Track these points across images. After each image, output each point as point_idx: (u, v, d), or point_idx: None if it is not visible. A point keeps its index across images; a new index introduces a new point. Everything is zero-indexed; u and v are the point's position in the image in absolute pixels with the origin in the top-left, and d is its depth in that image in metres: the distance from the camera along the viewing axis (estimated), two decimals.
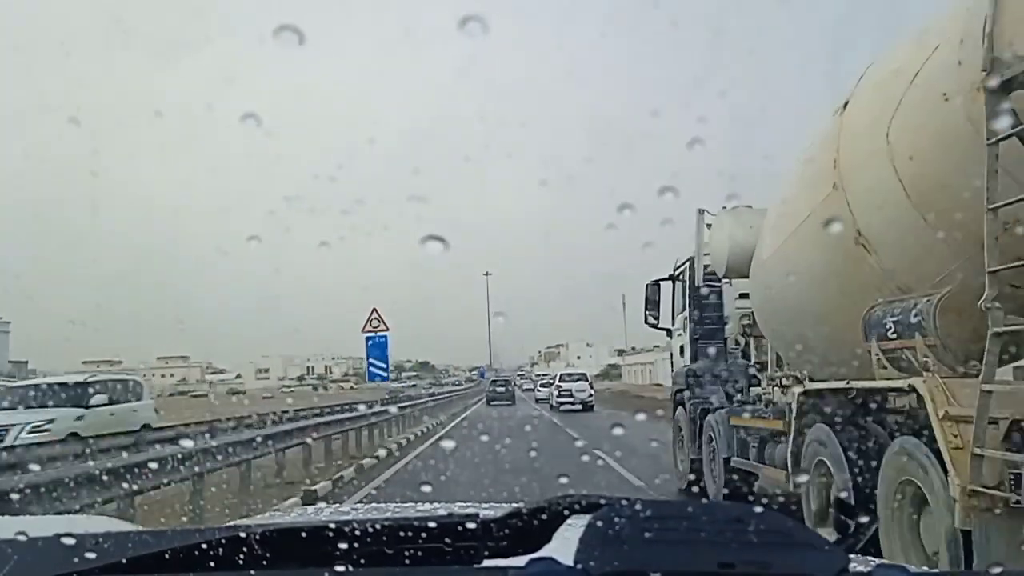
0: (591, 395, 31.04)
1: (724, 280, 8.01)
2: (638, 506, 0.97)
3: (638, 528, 0.92)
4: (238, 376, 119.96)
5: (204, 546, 1.00)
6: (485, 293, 65.73)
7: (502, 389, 38.14)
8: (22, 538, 0.98)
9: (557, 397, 30.95)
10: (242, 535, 1.03)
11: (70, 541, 1.01)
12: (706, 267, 8.12)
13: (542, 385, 40.22)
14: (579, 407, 29.51)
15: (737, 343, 8.29)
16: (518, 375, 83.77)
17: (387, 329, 19.23)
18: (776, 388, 6.77)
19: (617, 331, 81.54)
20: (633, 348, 66.73)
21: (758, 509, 0.94)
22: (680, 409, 9.27)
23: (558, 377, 33.58)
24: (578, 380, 31.78)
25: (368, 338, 19.14)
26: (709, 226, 7.95)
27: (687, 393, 8.83)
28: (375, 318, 19.05)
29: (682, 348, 9.42)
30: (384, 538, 1.05)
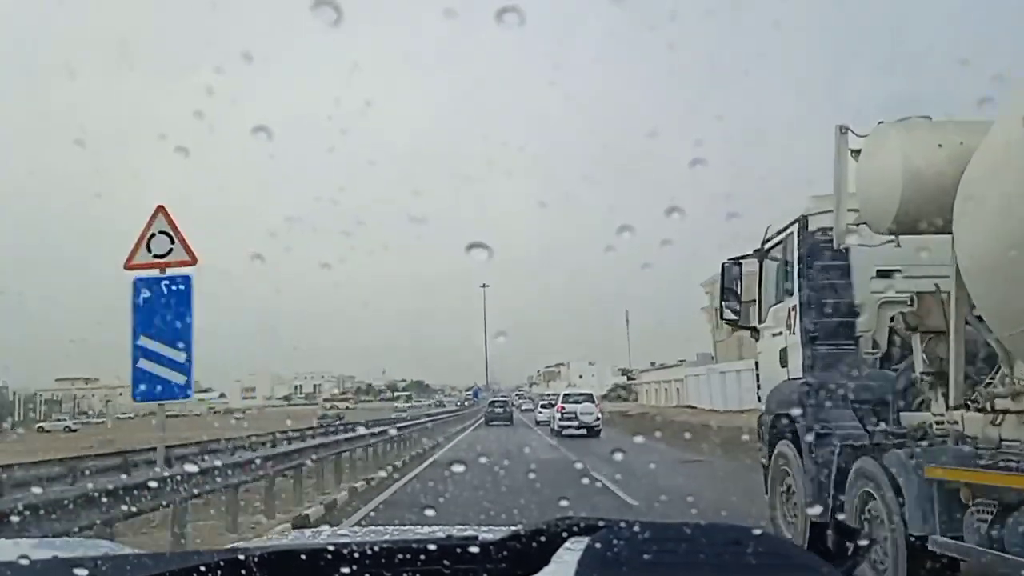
0: (598, 418, 29.91)
1: (886, 241, 5.41)
2: (636, 528, 1.01)
3: (636, 550, 0.96)
4: (221, 395, 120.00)
5: (203, 569, 1.05)
6: (482, 310, 65.36)
7: (500, 410, 42.80)
8: (22, 561, 1.03)
9: (559, 420, 29.69)
10: (241, 558, 1.08)
11: (69, 564, 1.07)
12: (850, 222, 5.66)
13: (543, 406, 39.88)
14: (584, 432, 28.39)
15: (876, 345, 6.09)
16: (516, 395, 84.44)
17: (192, 261, 7.94)
18: (981, 412, 4.69)
19: (620, 350, 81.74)
20: (653, 363, 64.06)
21: (756, 531, 0.99)
22: (784, 444, 6.69)
23: (560, 397, 32.16)
24: (583, 401, 30.46)
25: (140, 283, 7.85)
26: (856, 154, 5.54)
27: (803, 420, 6.18)
28: (162, 231, 7.83)
29: (783, 353, 6.90)
30: (383, 561, 1.09)
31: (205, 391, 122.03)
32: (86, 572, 1.03)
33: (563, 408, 30.15)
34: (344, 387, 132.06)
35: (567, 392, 33.65)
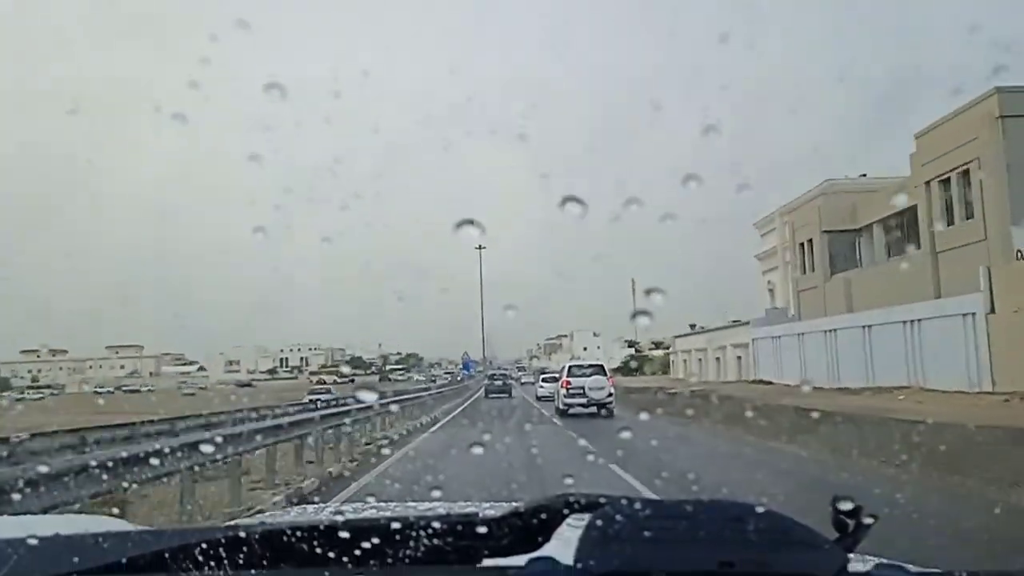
0: (611, 394, 27.70)
1: None
2: (638, 505, 1.08)
3: (638, 527, 1.04)
4: (201, 368, 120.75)
5: (204, 545, 1.13)
6: (479, 280, 64.74)
7: (499, 383, 47.63)
8: (27, 538, 1.11)
9: (565, 397, 27.88)
10: (242, 534, 1.15)
11: (70, 540, 1.15)
12: None
13: (544, 380, 39.63)
14: (593, 410, 26.93)
15: None
16: (517, 367, 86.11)
17: None
18: None
19: (623, 322, 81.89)
20: (693, 327, 55.88)
21: (759, 508, 1.06)
22: None
23: (566, 370, 29.63)
24: (592, 374, 28.20)
25: None
26: None
27: None
28: None
29: None
30: (384, 538, 1.17)
31: (184, 363, 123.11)
32: (87, 548, 1.11)
33: (569, 383, 28.18)
34: (334, 359, 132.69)
35: (573, 364, 30.75)
